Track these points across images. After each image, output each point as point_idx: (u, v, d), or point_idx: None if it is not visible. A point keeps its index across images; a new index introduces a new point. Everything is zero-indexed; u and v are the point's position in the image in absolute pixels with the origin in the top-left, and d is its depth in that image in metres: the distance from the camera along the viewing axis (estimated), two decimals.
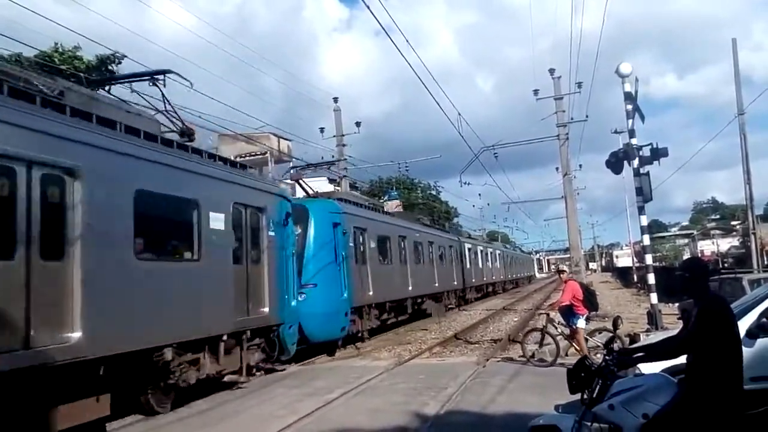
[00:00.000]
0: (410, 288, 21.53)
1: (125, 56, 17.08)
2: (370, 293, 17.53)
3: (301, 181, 18.32)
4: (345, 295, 15.50)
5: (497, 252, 46.87)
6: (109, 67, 17.78)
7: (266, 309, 11.03)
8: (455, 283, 30.11)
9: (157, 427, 8.33)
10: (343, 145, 29.62)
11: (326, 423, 7.99)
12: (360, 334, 16.97)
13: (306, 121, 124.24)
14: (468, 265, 33.72)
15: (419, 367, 12.61)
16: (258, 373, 11.87)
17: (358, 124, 29.79)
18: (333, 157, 29.42)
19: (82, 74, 14.27)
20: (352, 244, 16.51)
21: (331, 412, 8.70)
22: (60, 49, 17.12)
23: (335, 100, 29.87)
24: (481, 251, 39.20)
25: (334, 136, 29.51)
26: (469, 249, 34.98)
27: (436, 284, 25.76)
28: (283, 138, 27.75)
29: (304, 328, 13.58)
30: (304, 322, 13.47)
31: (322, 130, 29.51)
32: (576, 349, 11.17)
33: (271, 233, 11.36)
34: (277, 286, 11.49)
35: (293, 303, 12.36)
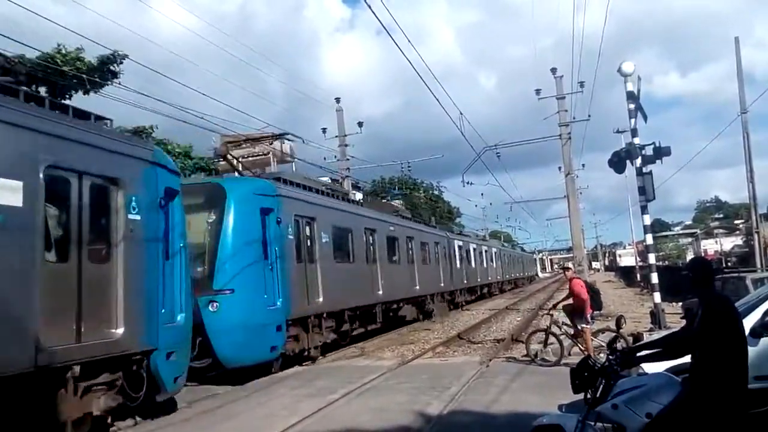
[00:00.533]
0: (380, 292, 18.45)
1: (126, 56, 17.08)
2: (320, 300, 14.18)
3: (228, 156, 14.76)
4: (278, 303, 12.31)
5: (493, 250, 44.43)
6: (111, 67, 17.76)
7: (119, 330, 7.50)
8: (442, 284, 27.04)
9: (161, 427, 8.34)
10: (346, 145, 29.71)
11: (329, 423, 7.99)
12: (307, 353, 13.75)
13: (308, 121, 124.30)
14: (458, 265, 31.08)
15: (422, 366, 12.61)
16: (127, 422, 8.23)
17: (360, 124, 29.90)
18: (335, 157, 29.54)
19: (84, 75, 14.29)
20: (291, 237, 13.27)
21: (334, 412, 8.69)
22: (63, 50, 17.11)
23: (337, 100, 30.05)
24: (475, 249, 36.77)
25: (336, 137, 29.63)
26: (460, 247, 32.39)
27: (417, 287, 22.73)
28: (285, 138, 27.77)
29: (216, 349, 10.96)
30: (216, 341, 10.90)
31: (324, 130, 29.61)
32: (580, 349, 11.20)
33: (134, 217, 7.91)
34: (143, 294, 7.99)
35: (179, 318, 8.83)
